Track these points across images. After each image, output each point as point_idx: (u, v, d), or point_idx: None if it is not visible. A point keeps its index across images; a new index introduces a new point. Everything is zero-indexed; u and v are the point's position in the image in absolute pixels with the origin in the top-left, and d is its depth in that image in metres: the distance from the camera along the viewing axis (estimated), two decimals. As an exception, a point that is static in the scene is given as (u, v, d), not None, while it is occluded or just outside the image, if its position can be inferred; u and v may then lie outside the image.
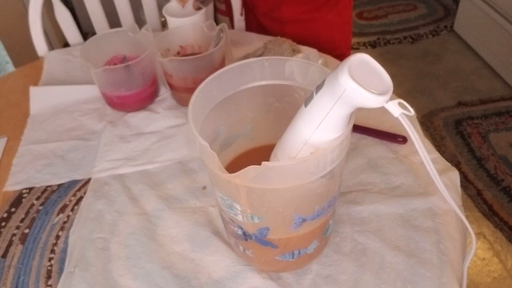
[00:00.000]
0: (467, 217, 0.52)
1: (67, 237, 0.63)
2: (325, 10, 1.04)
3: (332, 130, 0.42)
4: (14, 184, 0.71)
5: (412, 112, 0.41)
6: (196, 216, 0.63)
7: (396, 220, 0.60)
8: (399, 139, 0.70)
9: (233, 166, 0.52)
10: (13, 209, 0.68)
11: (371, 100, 0.38)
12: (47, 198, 0.69)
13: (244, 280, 0.55)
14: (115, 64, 0.82)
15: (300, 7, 1.03)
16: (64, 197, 0.69)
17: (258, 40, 0.97)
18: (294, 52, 0.85)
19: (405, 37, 2.34)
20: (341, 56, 0.90)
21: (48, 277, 0.59)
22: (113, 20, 1.10)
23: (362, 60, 0.39)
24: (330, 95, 0.40)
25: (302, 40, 0.90)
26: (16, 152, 0.77)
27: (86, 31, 1.49)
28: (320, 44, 0.91)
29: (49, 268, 0.60)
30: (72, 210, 0.67)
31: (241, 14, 1.10)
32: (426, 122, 1.83)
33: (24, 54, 1.40)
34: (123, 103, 0.81)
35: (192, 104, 0.46)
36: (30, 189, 0.71)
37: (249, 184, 0.42)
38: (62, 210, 0.67)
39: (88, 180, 0.71)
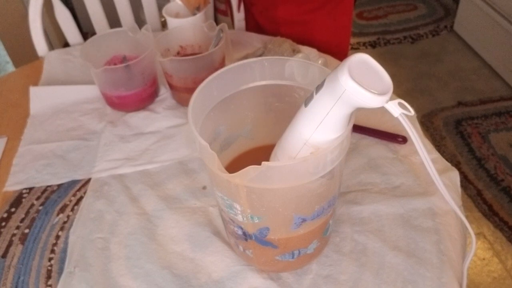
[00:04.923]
0: (467, 217, 0.52)
1: (67, 237, 0.63)
2: (320, 13, 1.03)
3: (332, 130, 0.42)
4: (14, 184, 0.71)
5: (412, 112, 0.41)
6: (196, 216, 0.63)
7: (396, 220, 0.60)
8: (399, 139, 0.70)
9: (233, 166, 0.52)
10: (13, 209, 0.68)
11: (371, 100, 0.38)
12: (47, 198, 0.69)
13: (244, 280, 0.55)
14: (115, 64, 0.82)
15: (295, 8, 1.02)
16: (64, 197, 0.69)
17: (258, 40, 0.97)
18: (294, 52, 0.85)
19: (405, 37, 2.34)
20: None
21: (48, 277, 0.59)
22: (113, 20, 1.10)
23: (362, 60, 0.39)
24: (330, 95, 0.40)
25: (298, 42, 0.90)
26: (16, 152, 0.77)
27: (86, 31, 1.49)
28: (315, 47, 0.91)
29: (49, 268, 0.60)
30: (72, 210, 0.67)
31: (239, 11, 1.09)
32: (426, 122, 1.83)
33: (24, 54, 1.40)
34: (123, 103, 0.81)
35: (192, 104, 0.46)
36: (30, 189, 0.71)
37: (249, 184, 0.42)
38: (62, 210, 0.67)
39: (88, 180, 0.71)
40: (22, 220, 0.67)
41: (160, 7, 1.00)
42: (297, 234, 0.49)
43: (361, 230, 0.59)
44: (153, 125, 0.79)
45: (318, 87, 0.42)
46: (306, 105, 0.43)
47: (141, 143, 0.76)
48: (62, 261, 0.61)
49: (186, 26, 0.83)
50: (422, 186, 0.64)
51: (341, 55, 1.10)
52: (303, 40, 0.92)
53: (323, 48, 0.93)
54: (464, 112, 1.86)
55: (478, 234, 1.43)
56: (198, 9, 0.87)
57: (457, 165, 1.64)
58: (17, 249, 0.63)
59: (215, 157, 0.41)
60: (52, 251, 0.62)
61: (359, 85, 0.38)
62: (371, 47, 2.30)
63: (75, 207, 0.67)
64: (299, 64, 0.51)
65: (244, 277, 0.55)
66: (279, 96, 0.55)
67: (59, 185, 0.71)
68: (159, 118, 0.80)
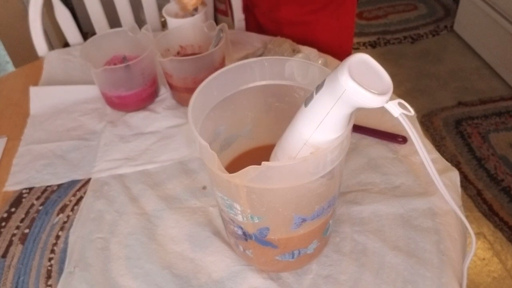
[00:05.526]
0: (467, 217, 0.52)
1: (67, 237, 0.63)
2: (323, 14, 1.03)
3: (332, 130, 0.42)
4: (14, 184, 0.71)
5: (412, 112, 0.41)
6: (196, 216, 0.63)
7: (396, 220, 0.60)
8: (399, 139, 0.70)
9: (233, 166, 0.52)
10: (13, 209, 0.68)
11: (371, 100, 0.38)
12: (47, 198, 0.69)
13: (244, 280, 0.55)
14: (115, 64, 0.82)
15: (298, 8, 1.02)
16: (64, 197, 0.69)
17: (258, 40, 0.97)
18: (294, 52, 0.85)
19: (405, 37, 2.34)
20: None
21: (48, 277, 0.59)
22: (113, 20, 1.10)
23: (362, 60, 0.39)
24: (330, 95, 0.40)
25: (300, 42, 0.90)
26: (16, 152, 0.77)
27: (86, 31, 1.49)
28: (318, 48, 0.91)
29: (49, 268, 0.60)
30: (72, 210, 0.67)
31: (243, 12, 1.10)
32: (426, 122, 1.83)
33: (24, 54, 1.40)
34: (123, 103, 0.81)
35: (192, 104, 0.46)
36: (30, 189, 0.71)
37: (249, 184, 0.42)
38: (62, 210, 0.67)
39: (88, 180, 0.71)
40: (22, 220, 0.67)
41: (160, 7, 1.00)
42: (297, 234, 0.49)
43: (361, 230, 0.59)
44: (153, 125, 0.79)
45: (318, 87, 0.42)
46: (306, 105, 0.43)
47: (141, 143, 0.76)
48: (62, 261, 0.61)
49: (186, 26, 0.83)
50: (422, 186, 0.64)
51: (343, 55, 1.09)
52: (306, 41, 0.92)
53: (326, 49, 0.93)
54: (464, 112, 1.86)
55: (478, 234, 1.43)
56: (196, 10, 0.87)
57: (457, 165, 1.64)
58: (17, 249, 0.63)
59: (215, 157, 0.41)
60: (52, 251, 0.62)
61: (359, 85, 0.38)
62: (371, 47, 2.30)
63: (75, 207, 0.67)
64: (299, 64, 0.51)
65: (244, 277, 0.55)
66: (279, 96, 0.55)
67: (59, 185, 0.71)
68: (159, 118, 0.80)
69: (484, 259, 1.37)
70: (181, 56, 0.84)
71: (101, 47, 0.81)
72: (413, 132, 0.42)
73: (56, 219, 0.66)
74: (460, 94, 1.97)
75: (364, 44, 2.32)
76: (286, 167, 0.42)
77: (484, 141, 1.73)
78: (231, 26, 1.14)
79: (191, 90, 0.48)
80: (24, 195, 0.70)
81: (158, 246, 0.60)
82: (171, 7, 0.88)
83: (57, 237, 0.64)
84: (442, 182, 0.46)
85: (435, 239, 0.57)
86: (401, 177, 0.66)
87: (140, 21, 1.13)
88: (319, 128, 0.42)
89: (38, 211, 0.68)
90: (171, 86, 0.82)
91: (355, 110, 0.41)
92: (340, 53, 0.97)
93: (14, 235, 0.65)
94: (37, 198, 0.69)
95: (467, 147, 1.71)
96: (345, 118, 0.42)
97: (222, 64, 0.80)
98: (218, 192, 0.48)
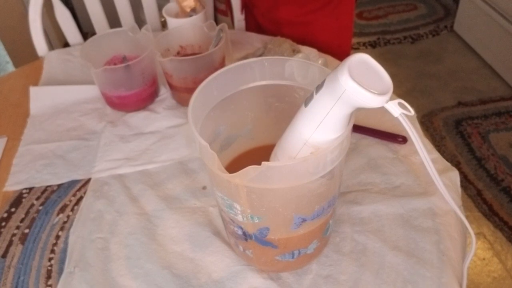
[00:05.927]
0: (467, 217, 0.52)
1: (67, 237, 0.63)
2: (322, 14, 1.03)
3: (332, 130, 0.42)
4: (14, 184, 0.71)
5: (412, 112, 0.41)
6: (196, 216, 0.63)
7: (396, 220, 0.60)
8: (399, 139, 0.70)
9: (233, 166, 0.52)
10: (13, 209, 0.68)
11: (371, 100, 0.38)
12: (47, 198, 0.69)
13: (244, 280, 0.55)
14: (115, 64, 0.82)
15: (296, 9, 1.02)
16: (64, 197, 0.69)
17: (258, 40, 0.97)
18: (294, 52, 0.85)
19: (405, 37, 2.34)
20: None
21: (48, 277, 0.59)
22: (113, 20, 1.10)
23: (362, 60, 0.39)
24: (330, 95, 0.40)
25: (299, 42, 0.90)
26: (16, 152, 0.77)
27: (86, 31, 1.49)
28: (317, 48, 0.91)
29: (49, 268, 0.60)
30: (72, 210, 0.67)
31: (242, 13, 1.10)
32: (426, 122, 1.83)
33: (24, 54, 1.40)
34: (123, 103, 0.81)
35: (192, 104, 0.46)
36: (30, 189, 0.71)
37: (249, 184, 0.42)
38: (62, 210, 0.67)
39: (88, 180, 0.71)
40: (22, 220, 0.67)
41: (160, 7, 1.00)
42: (297, 234, 0.49)
43: (361, 230, 0.59)
44: (153, 125, 0.79)
45: (318, 87, 0.42)
46: (306, 105, 0.43)
47: (141, 143, 0.76)
48: (62, 261, 0.61)
49: (186, 26, 0.83)
50: (422, 186, 0.64)
51: (343, 55, 1.09)
52: (305, 41, 0.92)
53: (325, 49, 0.93)
54: (464, 112, 1.86)
55: (478, 234, 1.43)
56: (194, 10, 0.87)
57: (457, 165, 1.64)
58: (17, 249, 0.63)
59: (215, 157, 0.41)
60: (52, 251, 0.62)
61: (359, 85, 0.38)
62: (371, 47, 2.30)
63: (75, 207, 0.67)
64: (299, 64, 0.51)
65: (244, 277, 0.55)
66: (279, 96, 0.55)
67: (59, 185, 0.71)
68: (159, 118, 0.80)
69: (484, 259, 1.37)
70: (181, 56, 0.84)
71: (101, 47, 0.81)
72: (413, 132, 0.42)
73: (56, 219, 0.66)
74: (460, 94, 1.97)
75: (364, 44, 2.32)
76: (286, 167, 0.42)
77: (484, 141, 1.73)
78: (231, 26, 1.15)
79: (191, 90, 0.49)
80: (24, 195, 0.70)
81: (158, 246, 0.60)
82: (171, 7, 0.88)
83: (57, 237, 0.64)
84: (442, 182, 0.46)
85: (435, 239, 0.57)
86: (401, 177, 0.66)
87: (140, 21, 1.13)
88: (319, 128, 0.42)
89: (38, 211, 0.68)
90: (171, 86, 0.82)
91: (355, 110, 0.41)
92: (339, 53, 0.97)
93: (14, 235, 0.65)
94: (37, 198, 0.69)
95: (467, 147, 1.71)
96: (345, 118, 0.42)
97: (222, 64, 0.80)
98: (218, 192, 0.48)
